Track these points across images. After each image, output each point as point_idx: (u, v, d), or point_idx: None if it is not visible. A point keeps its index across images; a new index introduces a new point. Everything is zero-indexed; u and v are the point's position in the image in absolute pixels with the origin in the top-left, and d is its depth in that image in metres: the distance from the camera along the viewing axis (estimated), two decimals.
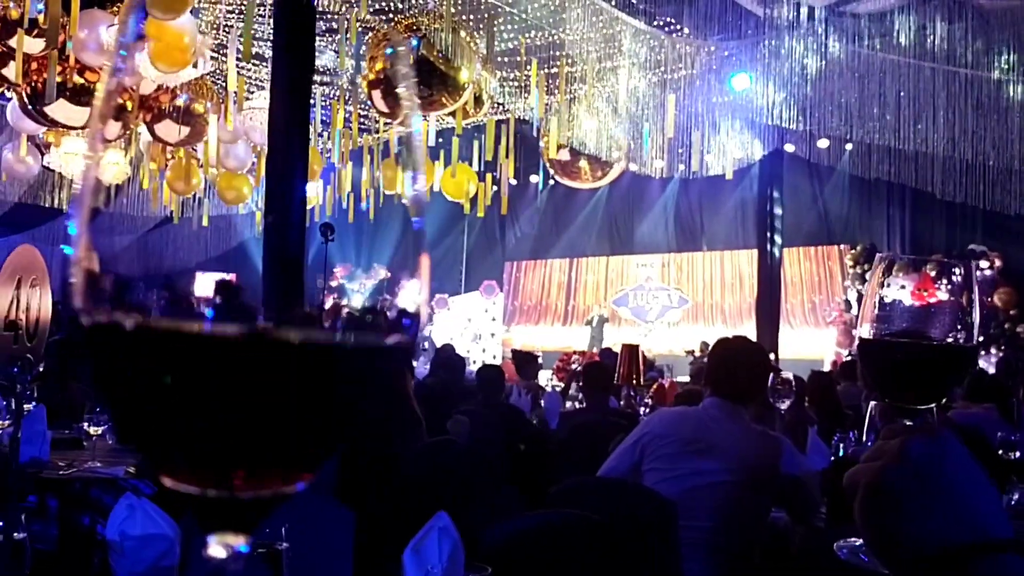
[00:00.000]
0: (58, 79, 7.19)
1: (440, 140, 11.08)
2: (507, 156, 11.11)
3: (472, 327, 19.55)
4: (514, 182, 12.88)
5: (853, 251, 15.82)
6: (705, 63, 10.32)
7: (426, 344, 16.48)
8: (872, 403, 3.88)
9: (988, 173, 9.98)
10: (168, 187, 9.29)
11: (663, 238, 19.14)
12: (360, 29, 8.54)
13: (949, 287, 0.87)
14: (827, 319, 16.25)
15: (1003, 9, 8.76)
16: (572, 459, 4.26)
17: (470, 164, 11.34)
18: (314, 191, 10.71)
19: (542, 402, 7.44)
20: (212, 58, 8.30)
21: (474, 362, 14.77)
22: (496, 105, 10.67)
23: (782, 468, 2.99)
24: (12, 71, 7.18)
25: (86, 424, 4.03)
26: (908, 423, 0.82)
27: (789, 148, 12.61)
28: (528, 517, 2.15)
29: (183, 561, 1.62)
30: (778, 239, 14.10)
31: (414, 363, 9.27)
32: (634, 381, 5.98)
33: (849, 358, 11.07)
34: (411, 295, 0.43)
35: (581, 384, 6.10)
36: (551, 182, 13.90)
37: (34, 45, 6.98)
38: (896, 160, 10.53)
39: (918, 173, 10.44)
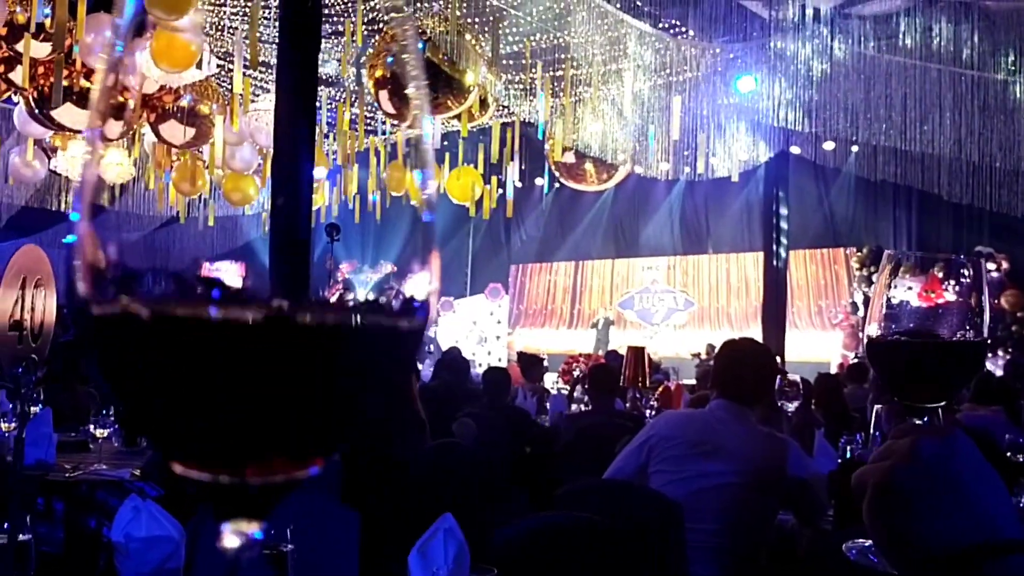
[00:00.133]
0: (64, 83, 7.21)
1: (446, 143, 11.10)
2: (512, 159, 11.11)
3: (477, 330, 19.55)
4: (519, 185, 12.89)
5: (859, 253, 15.78)
6: (710, 65, 10.31)
7: (431, 347, 16.50)
8: (877, 407, 3.87)
9: (995, 174, 9.95)
10: (174, 188, 9.31)
11: (669, 241, 19.13)
12: (366, 33, 8.56)
13: (957, 288, 0.86)
14: (833, 321, 16.22)
15: (1009, 10, 8.74)
16: (578, 461, 4.25)
17: (475, 167, 11.34)
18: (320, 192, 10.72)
19: (547, 404, 7.44)
20: (218, 65, 8.32)
21: (480, 365, 14.76)
22: (501, 108, 10.67)
23: (789, 470, 2.97)
24: (19, 75, 7.20)
25: (92, 426, 4.04)
26: (918, 422, 0.81)
27: (795, 150, 12.59)
28: (534, 519, 2.14)
29: (188, 563, 1.62)
30: (784, 241, 14.07)
31: (420, 366, 9.28)
32: (640, 383, 5.96)
33: (856, 360, 11.04)
34: (419, 284, 0.43)
35: (587, 387, 6.09)
36: (556, 185, 13.90)
37: (41, 49, 7.01)
38: (902, 162, 10.50)
39: (924, 175, 10.41)
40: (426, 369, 9.65)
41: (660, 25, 9.73)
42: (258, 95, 9.05)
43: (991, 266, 13.08)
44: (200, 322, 0.38)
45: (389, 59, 7.79)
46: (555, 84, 10.09)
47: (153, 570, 1.55)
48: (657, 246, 19.22)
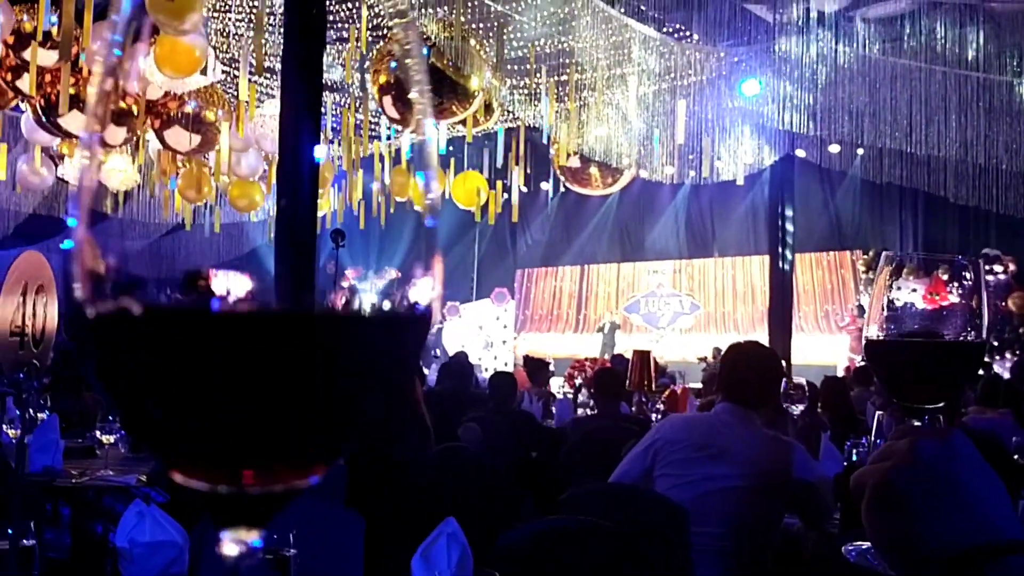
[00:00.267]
0: (71, 91, 7.24)
1: (451, 148, 11.11)
2: (517, 164, 11.12)
3: (483, 335, 19.55)
4: (524, 189, 12.89)
5: (865, 256, 15.75)
6: (715, 69, 10.31)
7: (438, 351, 16.51)
8: (879, 413, 3.85)
9: (1001, 177, 9.92)
10: (179, 195, 9.33)
11: (674, 244, 19.12)
12: (370, 39, 8.58)
13: (960, 291, 0.86)
14: (840, 325, 16.18)
15: (1014, 12, 8.73)
16: (583, 465, 4.25)
17: (480, 172, 11.36)
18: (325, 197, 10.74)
19: (553, 409, 7.44)
20: (223, 71, 8.36)
21: (486, 370, 14.76)
22: (506, 113, 10.69)
23: (794, 473, 2.97)
24: (26, 83, 7.24)
25: (99, 432, 4.05)
26: (917, 423, 0.81)
27: (800, 153, 12.57)
28: (539, 522, 2.14)
29: (192, 568, 1.62)
30: (790, 243, 14.05)
31: (425, 371, 9.28)
32: (645, 387, 5.96)
33: (862, 364, 11.01)
34: (423, 290, 0.43)
35: (592, 391, 6.08)
36: (562, 189, 13.90)
37: (48, 57, 7.04)
38: (908, 165, 10.47)
39: (930, 177, 10.38)
40: (432, 374, 9.66)
41: (664, 29, 9.73)
42: (263, 101, 9.08)
43: (998, 268, 13.04)
44: (200, 324, 0.37)
45: (393, 64, 7.80)
46: (560, 89, 10.10)
47: (157, 575, 1.55)
48: (663, 250, 19.20)
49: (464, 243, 20.22)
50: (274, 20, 8.09)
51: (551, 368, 10.38)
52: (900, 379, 0.84)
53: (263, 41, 7.05)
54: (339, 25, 8.98)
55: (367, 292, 0.43)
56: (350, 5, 8.75)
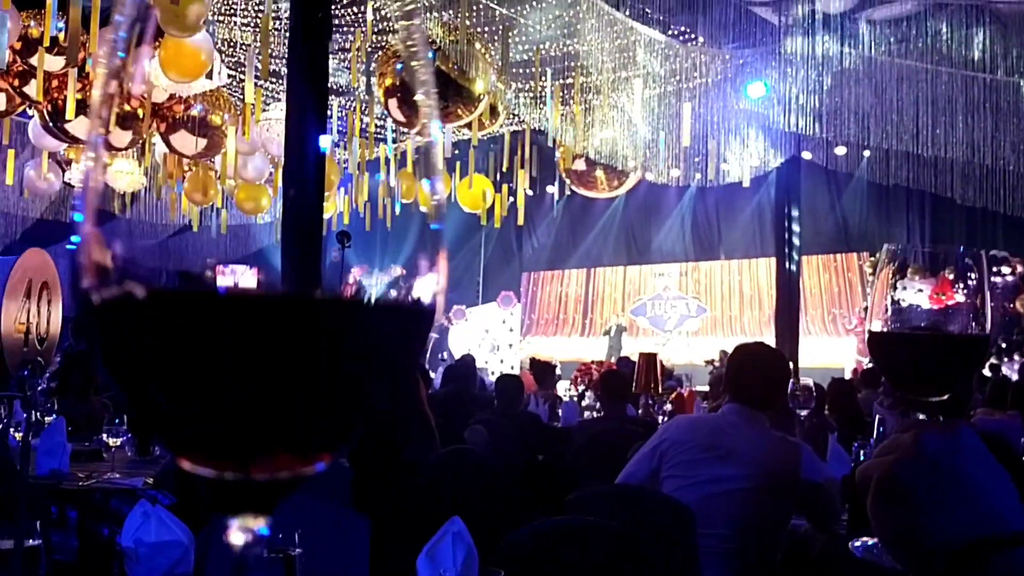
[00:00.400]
0: (78, 96, 7.28)
1: (456, 151, 11.12)
2: (523, 167, 11.13)
3: (490, 338, 19.55)
4: (530, 193, 12.90)
5: (872, 258, 15.71)
6: (720, 71, 10.30)
7: (445, 354, 16.51)
8: (877, 417, 3.84)
9: (1008, 178, 9.89)
10: (186, 198, 9.37)
11: (680, 247, 19.09)
12: (371, 48, 8.61)
13: (966, 290, 0.86)
14: (848, 327, 16.14)
15: (1021, 13, 8.70)
16: (590, 467, 4.24)
17: (486, 175, 11.36)
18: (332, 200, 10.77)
19: (559, 411, 7.44)
20: (229, 76, 8.38)
21: (492, 373, 14.76)
22: (512, 116, 10.70)
23: (802, 474, 2.96)
24: (33, 89, 7.28)
25: (105, 436, 4.06)
26: (921, 417, 0.80)
27: (806, 155, 12.55)
28: (545, 522, 2.14)
29: (198, 570, 1.62)
30: (796, 244, 14.02)
31: (432, 375, 9.28)
32: (652, 389, 5.95)
33: (870, 366, 10.98)
34: (428, 285, 0.43)
35: (599, 393, 6.07)
36: (567, 192, 13.91)
37: (55, 63, 7.08)
38: (915, 166, 10.45)
39: (937, 179, 10.35)
40: (438, 377, 9.65)
41: (669, 32, 9.73)
42: (269, 105, 9.11)
43: (1006, 270, 12.99)
44: (204, 307, 0.38)
45: (399, 66, 7.82)
46: (565, 92, 10.10)
47: (163, 574, 1.55)
48: (669, 252, 19.18)
49: (470, 246, 20.22)
50: (280, 25, 8.11)
51: (558, 371, 10.38)
52: (904, 372, 0.84)
53: (268, 42, 7.08)
54: (344, 30, 9.00)
55: (373, 287, 0.43)
56: (355, 9, 8.77)
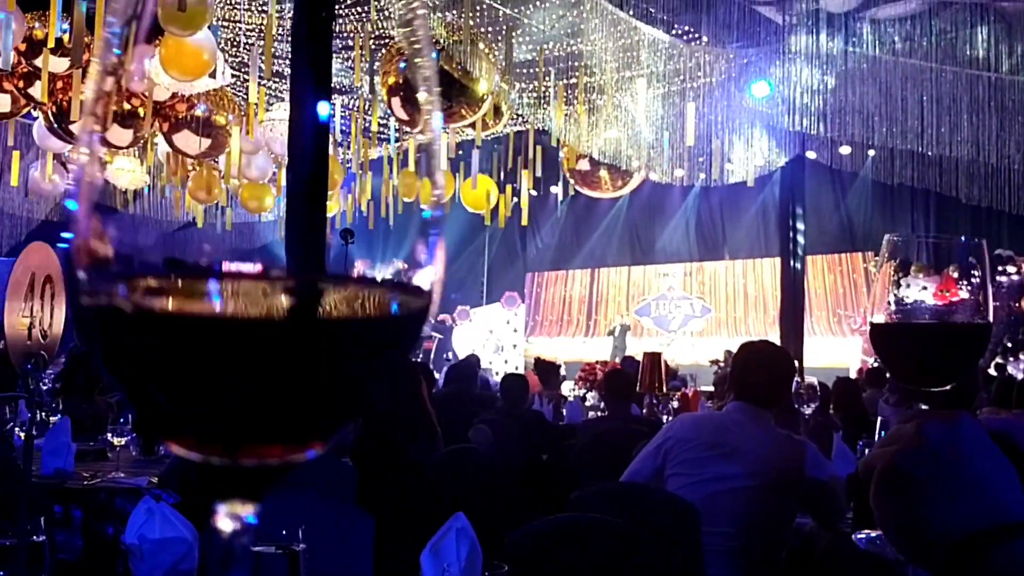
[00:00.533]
0: (83, 98, 7.28)
1: (460, 152, 11.13)
2: (527, 167, 11.13)
3: (494, 338, 19.55)
4: (534, 193, 12.89)
5: (877, 258, 15.66)
6: (724, 71, 10.29)
7: (449, 354, 16.52)
8: (879, 418, 3.82)
9: (1013, 177, 9.86)
10: (190, 196, 9.39)
11: (685, 247, 19.08)
12: (373, 47, 8.62)
13: (970, 287, 0.86)
14: (853, 327, 16.11)
15: None
16: (594, 466, 4.23)
17: (490, 176, 11.36)
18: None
19: (564, 411, 7.43)
20: (232, 75, 8.40)
21: (496, 374, 14.75)
22: (516, 116, 10.70)
23: (807, 472, 2.95)
24: (38, 90, 7.29)
25: (110, 435, 4.07)
26: (924, 407, 0.80)
27: (811, 155, 12.53)
28: (550, 519, 2.14)
29: (202, 565, 1.62)
30: (801, 247, 14.00)
31: (436, 375, 9.29)
32: (656, 389, 5.94)
33: (875, 365, 10.96)
34: (426, 275, 0.43)
35: (603, 392, 6.07)
36: (571, 192, 13.91)
37: (59, 64, 7.09)
38: (919, 165, 10.42)
39: (942, 178, 10.33)
40: (443, 377, 9.65)
41: (673, 32, 9.72)
42: (272, 104, 9.12)
43: (1011, 269, 12.95)
44: (192, 286, 0.37)
45: (402, 64, 7.82)
46: (569, 92, 10.10)
47: (167, 572, 1.56)
48: (673, 252, 19.17)
49: (474, 247, 20.22)
50: (283, 26, 8.13)
51: (562, 372, 10.38)
52: (906, 363, 0.83)
53: (272, 42, 7.09)
54: (346, 32, 9.01)
55: (373, 272, 0.42)
56: (359, 9, 8.78)
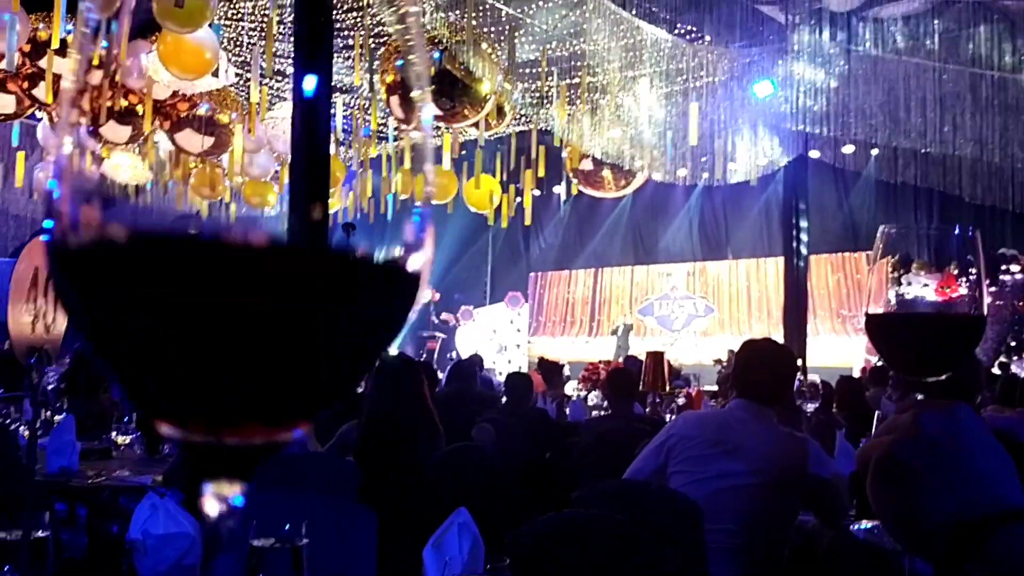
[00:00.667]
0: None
1: (463, 152, 11.14)
2: (529, 167, 11.14)
3: (497, 338, 19.55)
4: (537, 193, 12.89)
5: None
6: (727, 70, 10.29)
7: (453, 354, 16.52)
8: (877, 413, 3.83)
9: (1017, 175, 9.85)
10: (193, 192, 9.42)
11: (688, 247, 19.06)
12: (373, 45, 8.64)
13: (968, 282, 0.87)
14: (856, 327, 16.09)
15: None
16: (597, 465, 4.24)
17: (493, 176, 11.37)
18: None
19: (567, 410, 7.44)
20: (236, 75, 8.42)
21: (500, 374, 14.75)
22: (519, 116, 10.71)
23: (810, 469, 2.95)
24: (43, 91, 7.32)
25: (114, 434, 4.08)
26: (920, 397, 0.81)
27: (814, 154, 12.52)
28: (550, 516, 2.14)
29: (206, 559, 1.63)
30: (804, 246, 14.00)
31: (440, 375, 9.30)
32: (659, 388, 5.94)
33: (878, 364, 10.95)
34: (417, 258, 0.43)
35: (606, 391, 6.07)
36: (574, 192, 13.93)
37: (63, 65, 7.10)
38: (922, 164, 10.42)
39: (945, 177, 10.32)
40: (445, 376, 9.66)
41: (676, 31, 9.73)
42: (275, 103, 9.15)
43: (1015, 268, 12.93)
44: (175, 255, 0.36)
45: (399, 62, 7.84)
46: (571, 92, 10.11)
47: (171, 567, 1.56)
48: (676, 252, 19.16)
49: (477, 247, 20.23)
50: (284, 28, 8.14)
51: (566, 372, 10.37)
52: (902, 353, 0.84)
53: (273, 41, 7.10)
54: (345, 33, 9.03)
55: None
56: (356, 13, 8.80)
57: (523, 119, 10.97)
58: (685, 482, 2.96)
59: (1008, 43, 8.85)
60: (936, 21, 9.00)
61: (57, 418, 4.45)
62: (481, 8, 8.53)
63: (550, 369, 8.96)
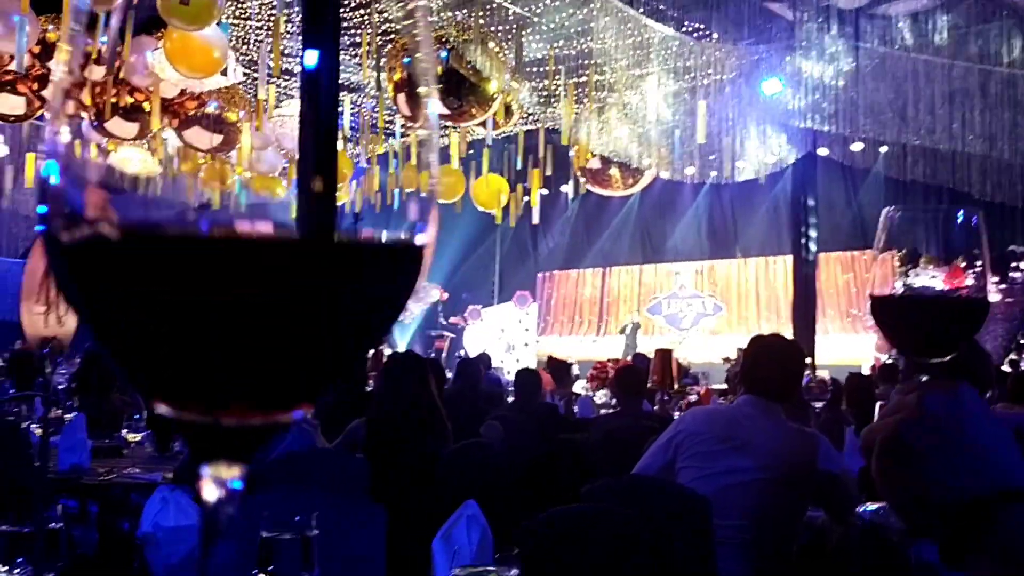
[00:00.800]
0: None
1: (471, 151, 11.15)
2: (537, 166, 11.14)
3: (505, 337, 19.55)
4: (545, 192, 12.90)
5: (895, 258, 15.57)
6: (735, 68, 10.27)
7: (461, 353, 16.53)
8: (878, 403, 3.82)
9: None
10: (202, 186, 9.49)
11: (696, 245, 19.02)
12: (380, 43, 8.65)
13: (974, 273, 0.87)
14: (866, 324, 16.03)
15: None
16: (605, 462, 4.24)
17: (501, 174, 11.38)
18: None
19: (575, 408, 7.44)
20: (244, 73, 8.45)
21: (508, 373, 14.77)
22: (526, 115, 10.71)
23: (819, 465, 2.95)
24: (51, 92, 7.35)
25: (125, 432, 4.10)
26: (924, 378, 0.81)
27: (822, 152, 12.48)
28: (558, 510, 2.15)
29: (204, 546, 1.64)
30: (813, 243, 13.95)
31: (448, 373, 9.31)
32: (667, 386, 5.94)
33: (888, 361, 10.91)
34: (420, 239, 0.43)
35: (615, 389, 6.07)
36: (582, 191, 13.93)
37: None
38: (932, 161, 10.37)
39: (955, 174, 10.27)
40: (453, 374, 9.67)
41: (684, 29, 9.71)
42: (282, 101, 9.19)
43: None
44: (174, 240, 0.36)
45: (406, 60, 7.85)
46: (579, 90, 10.11)
47: (182, 559, 1.58)
48: (684, 250, 19.11)
49: (485, 246, 20.23)
50: (292, 27, 8.17)
51: (575, 371, 10.38)
52: (907, 333, 0.84)
53: (280, 40, 7.12)
54: (352, 31, 9.05)
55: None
56: (363, 12, 8.82)
57: (530, 118, 10.98)
58: (693, 478, 2.96)
59: (1017, 39, 8.81)
60: (944, 17, 8.97)
61: (68, 416, 4.48)
62: (488, 7, 8.53)
63: (558, 368, 8.97)
